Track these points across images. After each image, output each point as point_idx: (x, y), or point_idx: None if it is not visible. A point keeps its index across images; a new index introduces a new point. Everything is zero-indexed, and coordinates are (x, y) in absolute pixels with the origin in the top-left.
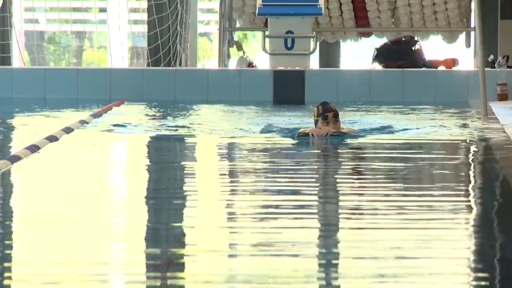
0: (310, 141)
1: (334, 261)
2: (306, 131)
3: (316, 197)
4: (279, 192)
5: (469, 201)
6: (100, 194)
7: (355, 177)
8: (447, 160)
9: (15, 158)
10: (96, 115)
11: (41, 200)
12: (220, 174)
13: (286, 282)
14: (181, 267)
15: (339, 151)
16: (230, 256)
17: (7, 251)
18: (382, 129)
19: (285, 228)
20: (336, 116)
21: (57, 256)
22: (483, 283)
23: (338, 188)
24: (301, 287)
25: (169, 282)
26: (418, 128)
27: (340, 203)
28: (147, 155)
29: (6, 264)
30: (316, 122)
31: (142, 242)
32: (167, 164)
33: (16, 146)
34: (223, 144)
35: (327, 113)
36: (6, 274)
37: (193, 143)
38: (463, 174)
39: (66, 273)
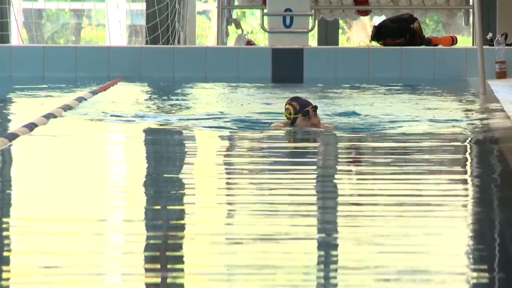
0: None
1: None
2: (280, 127)
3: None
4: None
5: (467, 184)
6: (96, 173)
7: (352, 165)
8: (446, 142)
9: (13, 136)
10: (94, 93)
11: (36, 179)
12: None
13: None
14: (180, 228)
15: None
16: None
17: (7, 242)
18: (369, 124)
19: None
20: (315, 109)
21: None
22: (482, 276)
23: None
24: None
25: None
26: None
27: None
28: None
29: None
30: (293, 120)
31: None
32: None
33: (14, 123)
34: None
35: (307, 108)
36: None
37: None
38: (463, 154)
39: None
